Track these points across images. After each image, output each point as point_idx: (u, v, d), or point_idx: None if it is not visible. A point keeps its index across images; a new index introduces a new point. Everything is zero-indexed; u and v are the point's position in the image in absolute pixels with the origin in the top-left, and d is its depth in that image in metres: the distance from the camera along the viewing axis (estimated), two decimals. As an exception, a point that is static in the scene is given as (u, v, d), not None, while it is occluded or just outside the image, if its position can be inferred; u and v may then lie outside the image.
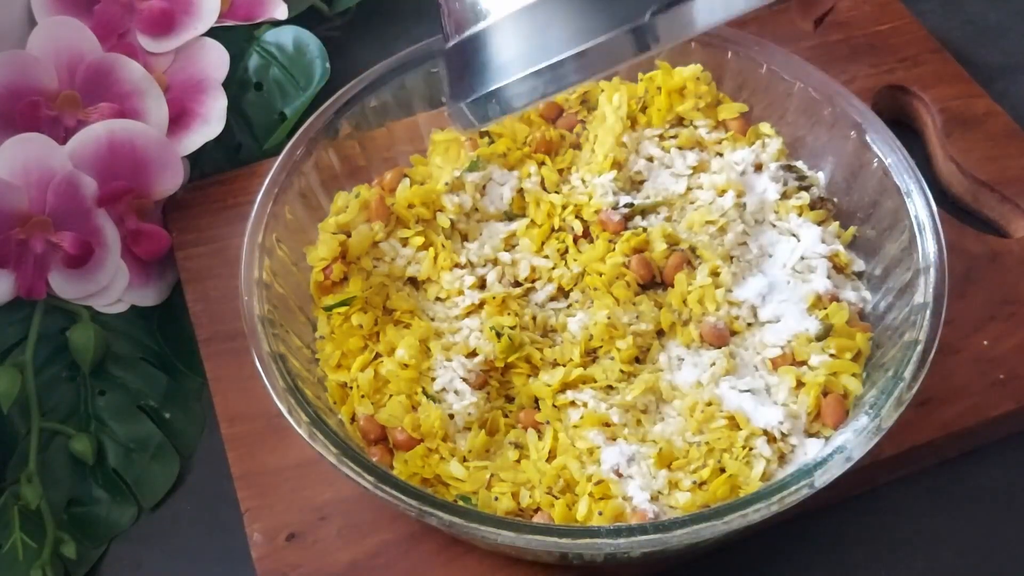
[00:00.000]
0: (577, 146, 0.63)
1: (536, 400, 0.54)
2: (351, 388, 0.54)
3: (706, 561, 0.53)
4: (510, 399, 0.54)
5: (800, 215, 0.59)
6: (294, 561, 0.51)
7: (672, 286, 0.56)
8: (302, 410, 0.49)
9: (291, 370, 0.51)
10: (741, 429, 0.51)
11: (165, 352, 0.62)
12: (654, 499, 0.49)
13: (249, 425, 0.55)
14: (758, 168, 0.61)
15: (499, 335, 0.54)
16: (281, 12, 0.68)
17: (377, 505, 0.51)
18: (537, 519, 0.49)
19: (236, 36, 0.68)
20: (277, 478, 0.53)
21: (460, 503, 0.49)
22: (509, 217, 0.61)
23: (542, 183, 0.61)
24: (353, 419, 0.53)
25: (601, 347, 0.55)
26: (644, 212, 0.59)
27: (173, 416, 0.60)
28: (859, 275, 0.58)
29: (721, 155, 0.62)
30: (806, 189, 0.60)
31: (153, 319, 0.63)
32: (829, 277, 0.56)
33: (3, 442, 0.58)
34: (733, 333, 0.55)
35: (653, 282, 0.57)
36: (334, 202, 0.60)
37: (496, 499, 0.50)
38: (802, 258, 0.57)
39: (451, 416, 0.52)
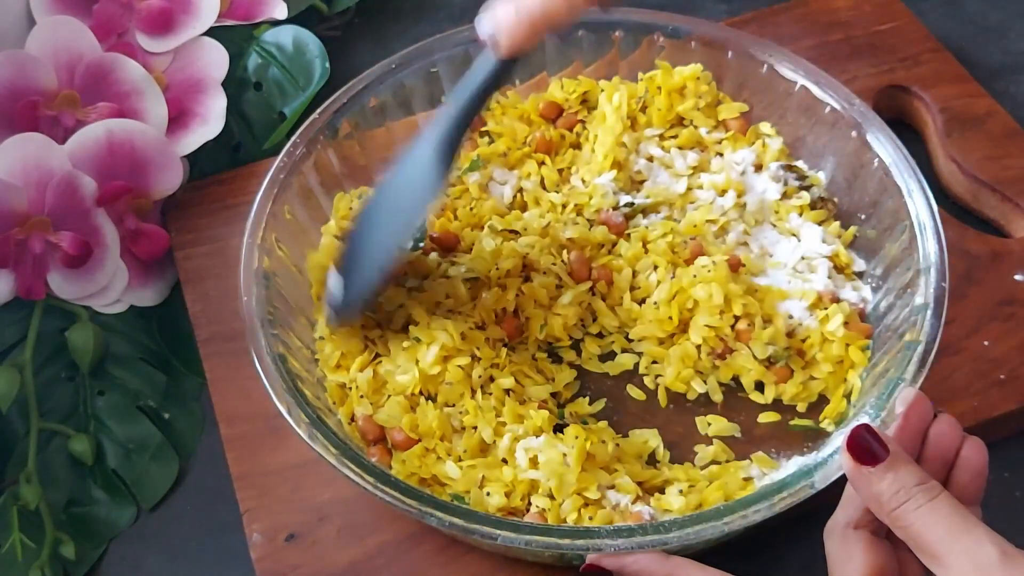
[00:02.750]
0: (577, 146, 0.63)
1: None
2: (350, 388, 0.54)
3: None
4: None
5: (800, 215, 0.59)
6: (294, 561, 0.51)
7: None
8: (302, 410, 0.48)
9: (291, 370, 0.50)
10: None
11: (164, 352, 0.62)
12: (636, 502, 0.49)
13: (248, 425, 0.55)
14: (758, 168, 0.61)
15: None
16: (281, 12, 0.68)
17: (377, 505, 0.51)
18: (528, 519, 0.49)
19: (235, 36, 0.68)
20: (276, 478, 0.53)
21: (454, 502, 0.49)
22: (509, 217, 0.61)
23: (542, 183, 0.61)
24: (352, 419, 0.53)
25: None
26: (645, 212, 0.59)
27: (172, 416, 0.60)
28: (859, 275, 0.58)
29: (721, 155, 0.62)
30: (806, 189, 0.60)
31: (152, 319, 0.63)
32: (830, 277, 0.56)
33: (2, 442, 0.58)
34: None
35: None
36: (336, 204, 0.59)
37: (488, 494, 0.49)
38: (803, 258, 0.57)
39: (449, 416, 0.52)
